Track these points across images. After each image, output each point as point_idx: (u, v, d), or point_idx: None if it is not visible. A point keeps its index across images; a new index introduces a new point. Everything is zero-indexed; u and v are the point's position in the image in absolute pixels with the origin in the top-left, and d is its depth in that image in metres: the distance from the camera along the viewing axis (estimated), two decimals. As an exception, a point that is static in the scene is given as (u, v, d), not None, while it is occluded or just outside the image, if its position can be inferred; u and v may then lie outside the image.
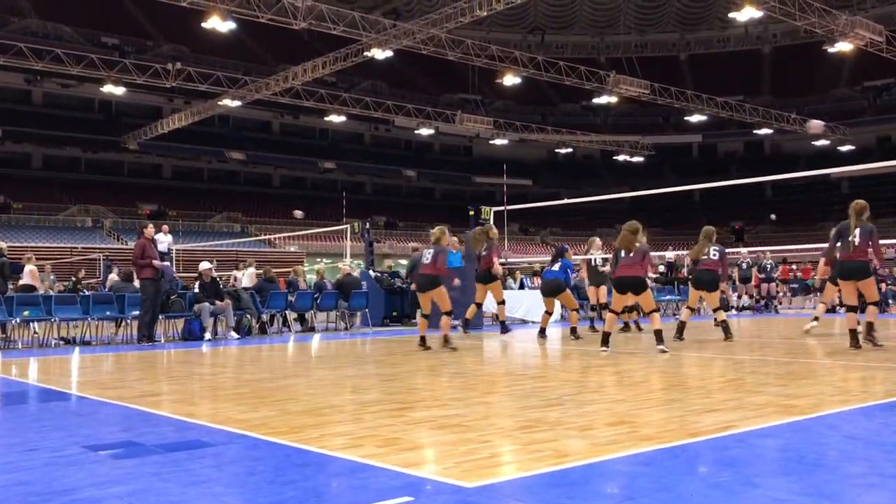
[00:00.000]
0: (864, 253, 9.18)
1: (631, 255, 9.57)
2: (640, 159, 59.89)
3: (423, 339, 10.51)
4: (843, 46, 35.69)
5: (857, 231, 9.12)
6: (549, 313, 12.38)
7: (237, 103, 43.12)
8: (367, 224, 19.63)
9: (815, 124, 14.38)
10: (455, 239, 17.93)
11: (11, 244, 38.92)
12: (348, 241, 23.29)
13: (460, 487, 3.26)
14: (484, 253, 12.79)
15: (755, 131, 55.87)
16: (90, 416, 5.49)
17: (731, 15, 39.03)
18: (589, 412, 5.10)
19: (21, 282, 15.17)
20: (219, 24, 29.82)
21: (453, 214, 56.75)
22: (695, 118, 51.43)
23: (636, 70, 45.97)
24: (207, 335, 13.60)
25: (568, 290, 12.19)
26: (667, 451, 3.89)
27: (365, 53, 35.32)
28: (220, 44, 45.28)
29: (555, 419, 4.86)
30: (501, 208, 18.91)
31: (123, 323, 15.13)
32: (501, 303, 13.45)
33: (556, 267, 12.14)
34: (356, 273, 18.29)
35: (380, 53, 35.00)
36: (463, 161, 67.56)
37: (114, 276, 16.57)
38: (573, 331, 12.32)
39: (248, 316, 14.82)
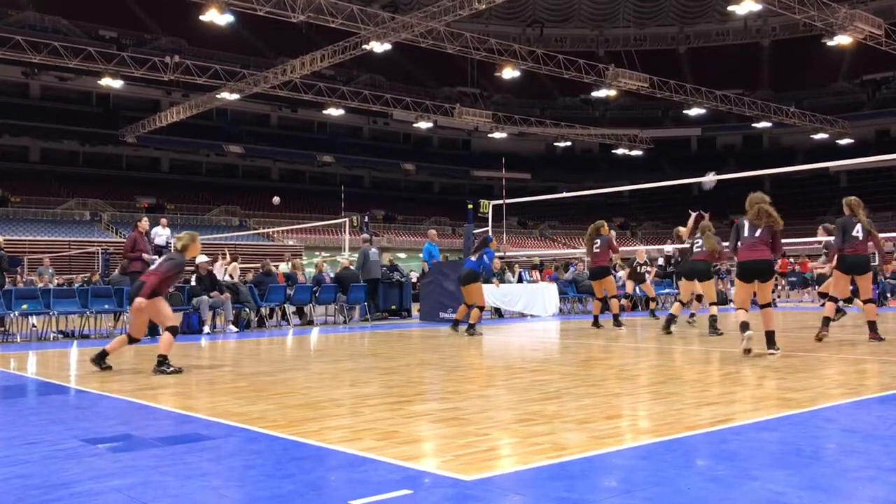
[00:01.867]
0: (865, 248, 9.32)
1: (758, 232, 8.06)
2: (639, 153, 59.85)
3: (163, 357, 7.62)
4: (843, 40, 35.63)
5: (859, 226, 9.25)
6: (467, 305, 12.05)
7: (235, 96, 43.04)
8: (366, 218, 19.61)
9: (709, 180, 14.36)
10: (433, 232, 17.95)
11: (9, 237, 38.87)
12: (347, 235, 23.29)
13: (459, 480, 3.26)
14: (596, 250, 12.90)
15: (754, 125, 55.87)
16: (89, 410, 5.49)
17: (730, 8, 38.91)
18: (587, 405, 5.11)
19: None
20: (217, 16, 29.74)
21: (451, 208, 56.80)
22: (693, 111, 51.41)
23: (635, 63, 45.84)
24: (206, 328, 13.61)
25: (479, 283, 11.85)
26: (665, 445, 3.90)
27: (363, 46, 35.25)
28: (219, 37, 45.18)
29: (553, 412, 4.86)
30: (500, 202, 18.91)
31: (122, 317, 15.11)
32: (614, 297, 13.41)
33: (475, 257, 12.04)
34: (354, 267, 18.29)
35: (378, 46, 34.92)
36: (461, 154, 67.51)
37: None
38: (455, 324, 12.18)
39: (247, 309, 14.82)
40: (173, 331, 7.75)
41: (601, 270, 12.99)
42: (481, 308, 12.05)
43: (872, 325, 9.44)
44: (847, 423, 4.56)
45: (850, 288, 9.93)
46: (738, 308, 8.37)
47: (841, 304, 11.00)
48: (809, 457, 3.64)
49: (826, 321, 9.63)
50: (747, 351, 7.85)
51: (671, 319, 11.34)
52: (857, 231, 9.24)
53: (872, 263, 11.00)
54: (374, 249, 17.47)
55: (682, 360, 7.92)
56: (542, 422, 4.54)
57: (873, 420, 4.62)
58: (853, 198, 9.55)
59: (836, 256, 9.63)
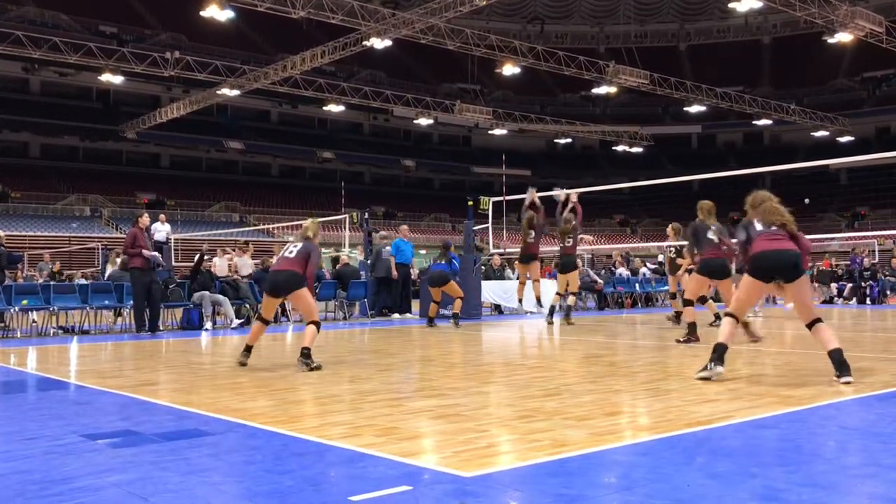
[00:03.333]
0: (723, 252, 9.29)
1: (773, 227, 6.31)
2: (640, 150, 59.83)
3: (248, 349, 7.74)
4: (843, 37, 35.62)
5: (714, 228, 9.31)
6: (436, 303, 13.51)
7: (236, 92, 42.99)
8: (366, 214, 19.57)
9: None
10: (405, 227, 17.94)
11: (9, 233, 38.77)
12: (347, 231, 23.26)
13: (458, 476, 3.26)
14: (530, 240, 13.81)
15: (754, 122, 55.81)
16: (89, 405, 5.49)
17: (730, 5, 38.90)
18: (587, 402, 5.11)
19: None
20: (217, 12, 29.73)
21: (452, 204, 56.80)
22: (694, 109, 51.38)
23: (636, 60, 45.83)
24: (208, 325, 13.59)
25: (453, 281, 13.13)
26: (664, 441, 3.90)
27: (364, 43, 35.22)
28: (219, 32, 45.13)
29: (553, 409, 4.86)
30: (500, 199, 18.88)
31: (122, 312, 15.12)
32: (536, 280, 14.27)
33: (443, 261, 13.19)
34: (354, 263, 18.27)
35: (379, 43, 34.90)
36: (462, 151, 67.48)
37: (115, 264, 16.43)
38: (455, 316, 13.25)
39: (247, 305, 14.83)
40: (317, 325, 7.67)
41: (530, 256, 13.94)
42: (461, 297, 13.38)
43: (746, 325, 9.08)
44: (846, 420, 4.56)
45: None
46: (729, 313, 6.44)
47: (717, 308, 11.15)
48: (809, 454, 3.64)
49: (691, 327, 9.51)
50: (704, 378, 6.04)
51: (552, 310, 13.39)
52: (711, 235, 9.24)
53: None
54: (388, 248, 17.38)
55: (681, 357, 7.92)
56: (541, 418, 4.54)
57: (873, 417, 4.62)
58: (707, 202, 9.53)
59: (697, 260, 9.55)
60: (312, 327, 7.59)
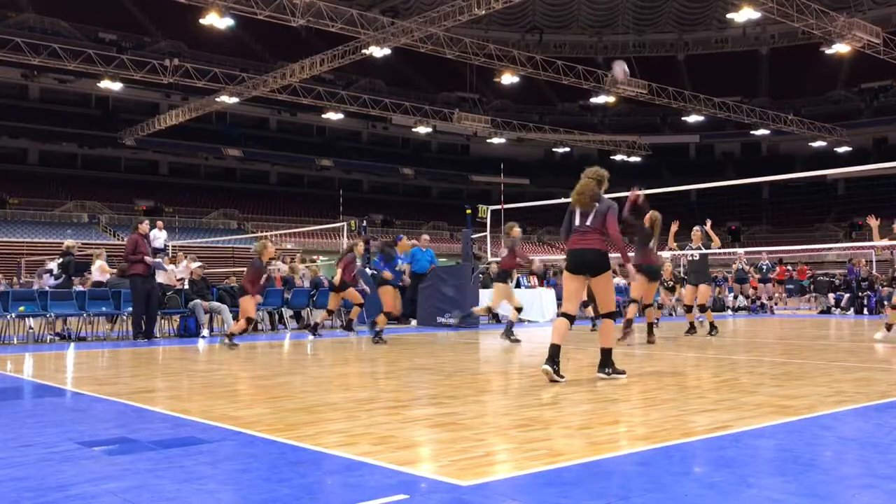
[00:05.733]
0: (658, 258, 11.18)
1: (590, 219, 6.77)
2: (638, 159, 59.92)
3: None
4: (841, 48, 35.77)
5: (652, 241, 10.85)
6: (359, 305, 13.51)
7: (235, 100, 43.05)
8: (364, 222, 19.58)
9: (619, 71, 11.95)
10: (426, 237, 17.95)
11: (7, 240, 38.83)
12: (345, 239, 23.24)
13: (455, 486, 3.26)
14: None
15: (752, 132, 55.95)
16: (85, 412, 5.48)
17: (729, 15, 39.14)
18: (584, 411, 5.10)
19: (92, 278, 15.09)
20: (217, 20, 29.82)
21: (450, 213, 56.82)
22: (692, 118, 51.48)
23: (634, 70, 45.85)
24: (204, 332, 13.57)
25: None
26: (662, 451, 3.89)
27: (363, 51, 35.30)
28: (218, 40, 45.22)
29: (550, 418, 4.86)
30: (498, 207, 18.89)
31: (119, 319, 15.08)
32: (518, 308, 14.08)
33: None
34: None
35: (378, 51, 34.99)
36: (460, 160, 67.53)
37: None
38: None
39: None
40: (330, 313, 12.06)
41: (503, 273, 12.35)
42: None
43: (650, 328, 10.94)
44: (844, 430, 4.56)
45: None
46: (561, 312, 6.87)
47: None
48: (806, 464, 3.64)
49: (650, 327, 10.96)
50: (553, 381, 6.46)
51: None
52: (652, 244, 10.70)
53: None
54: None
55: (679, 367, 7.91)
56: (538, 427, 4.53)
57: (870, 428, 4.62)
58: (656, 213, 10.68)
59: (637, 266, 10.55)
60: (357, 308, 12.38)
